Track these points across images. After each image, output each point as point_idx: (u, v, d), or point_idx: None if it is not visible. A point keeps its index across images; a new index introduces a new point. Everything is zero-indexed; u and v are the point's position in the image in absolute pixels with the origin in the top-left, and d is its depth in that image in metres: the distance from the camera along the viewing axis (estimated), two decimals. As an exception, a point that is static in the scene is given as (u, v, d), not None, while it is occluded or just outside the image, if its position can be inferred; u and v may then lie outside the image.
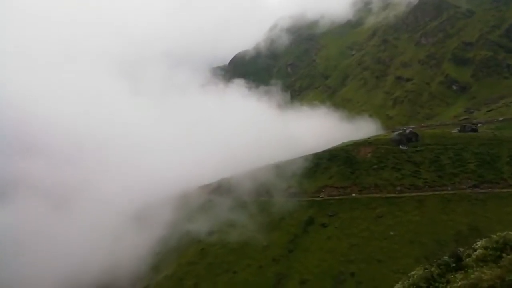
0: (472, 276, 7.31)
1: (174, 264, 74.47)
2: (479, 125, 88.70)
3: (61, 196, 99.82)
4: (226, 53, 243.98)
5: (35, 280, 73.67)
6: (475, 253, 9.05)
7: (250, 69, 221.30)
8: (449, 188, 64.74)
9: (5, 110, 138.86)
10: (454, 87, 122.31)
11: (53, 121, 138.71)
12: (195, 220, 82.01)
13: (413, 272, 9.34)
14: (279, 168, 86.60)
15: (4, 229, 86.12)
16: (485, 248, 8.88)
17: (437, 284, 8.21)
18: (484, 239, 9.38)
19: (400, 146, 78.68)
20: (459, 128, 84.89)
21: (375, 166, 74.90)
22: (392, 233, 57.24)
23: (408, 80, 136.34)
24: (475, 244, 9.74)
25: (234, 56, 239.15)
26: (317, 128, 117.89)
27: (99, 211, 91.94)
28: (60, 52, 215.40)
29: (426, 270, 9.05)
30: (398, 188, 68.16)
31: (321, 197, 73.85)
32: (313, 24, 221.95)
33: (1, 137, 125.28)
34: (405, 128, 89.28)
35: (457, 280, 7.55)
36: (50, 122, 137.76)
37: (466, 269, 8.21)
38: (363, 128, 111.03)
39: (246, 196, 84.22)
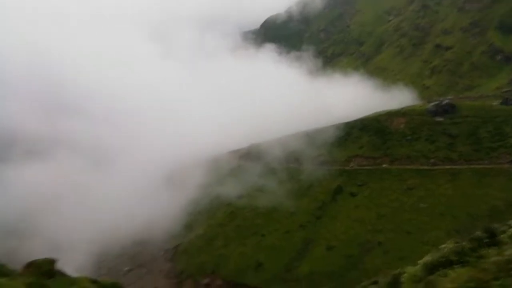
0: (506, 252, 7.09)
1: (205, 224, 77.81)
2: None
3: (99, 156, 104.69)
4: (257, 17, 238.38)
5: (74, 235, 78.89)
6: (510, 229, 9.07)
7: (281, 33, 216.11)
8: (485, 163, 62.95)
9: (48, 74, 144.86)
10: (499, 57, 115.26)
11: (91, 83, 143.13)
12: (225, 184, 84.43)
13: (443, 245, 9.19)
14: (309, 136, 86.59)
15: (46, 185, 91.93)
16: (522, 224, 8.79)
17: (467, 259, 7.97)
18: (521, 216, 9.25)
19: (436, 118, 76.45)
20: (501, 101, 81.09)
21: (408, 137, 73.50)
22: (422, 205, 56.92)
23: (448, 48, 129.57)
24: (511, 220, 9.73)
25: (265, 20, 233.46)
26: (349, 97, 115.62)
27: (134, 171, 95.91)
28: (93, 15, 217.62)
29: (457, 244, 8.89)
30: (432, 160, 66.96)
31: (351, 167, 73.88)
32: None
33: (45, 99, 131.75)
34: (442, 99, 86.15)
35: (490, 256, 7.30)
36: (89, 84, 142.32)
37: (499, 245, 8.08)
38: (397, 98, 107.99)
39: (275, 163, 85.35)
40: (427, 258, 8.94)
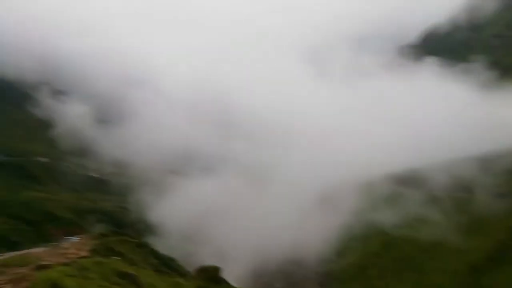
0: None
1: (358, 252, 75.22)
2: None
3: (257, 174, 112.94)
4: (415, 29, 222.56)
5: (236, 247, 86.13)
6: None
7: (444, 45, 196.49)
8: None
9: (218, 97, 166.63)
10: None
11: (252, 105, 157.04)
12: (380, 211, 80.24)
13: None
14: (482, 162, 75.74)
15: (216, 198, 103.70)
16: None
17: None
18: None
19: None
20: None
21: None
22: None
23: None
24: None
25: (425, 32, 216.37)
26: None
27: (289, 191, 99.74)
28: (256, 41, 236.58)
29: None
30: None
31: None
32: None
33: (217, 120, 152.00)
34: None
35: None
36: (249, 106, 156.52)
37: None
38: None
39: (439, 190, 77.36)
40: None
